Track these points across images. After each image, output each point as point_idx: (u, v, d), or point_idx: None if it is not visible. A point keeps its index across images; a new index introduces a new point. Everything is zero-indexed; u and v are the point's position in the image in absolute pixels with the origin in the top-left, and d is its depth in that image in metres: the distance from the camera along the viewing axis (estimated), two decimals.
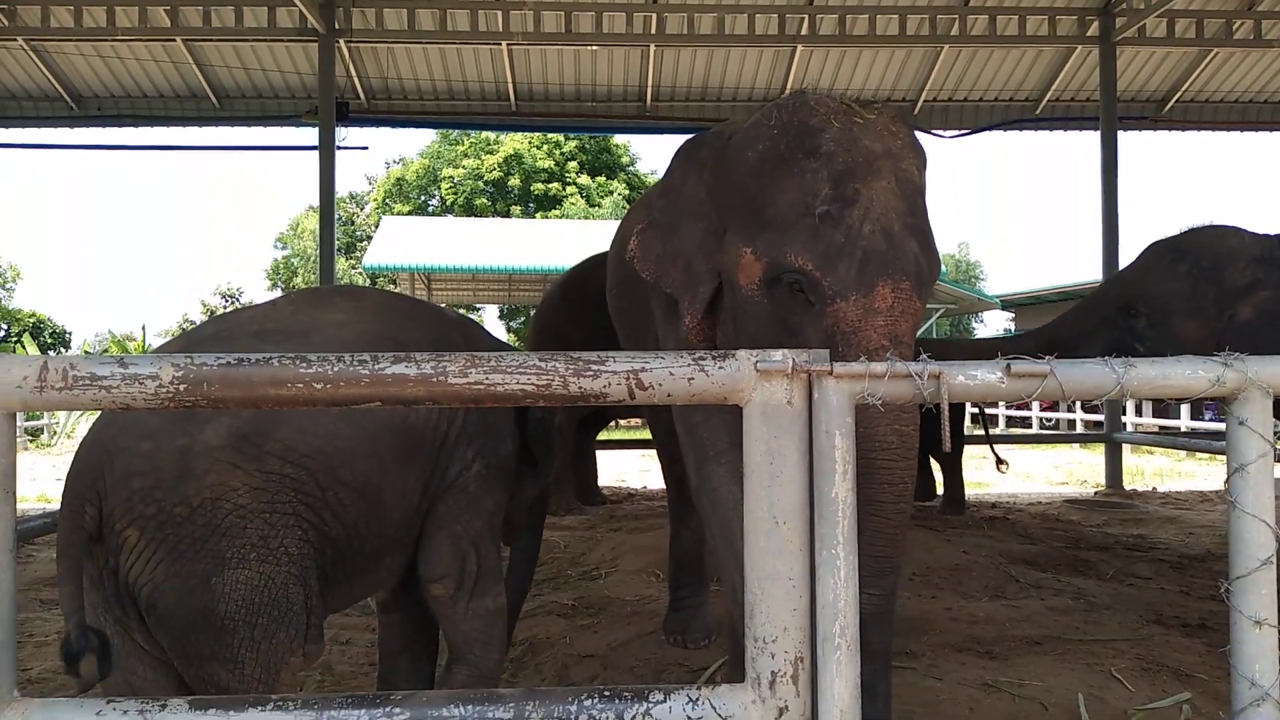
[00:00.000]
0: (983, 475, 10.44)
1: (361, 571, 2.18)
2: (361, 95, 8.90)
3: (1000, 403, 19.53)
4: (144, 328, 25.72)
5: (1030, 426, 18.24)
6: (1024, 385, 1.50)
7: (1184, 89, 9.05)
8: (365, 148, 8.93)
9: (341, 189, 36.07)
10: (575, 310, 5.85)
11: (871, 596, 1.89)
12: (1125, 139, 8.67)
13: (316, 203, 8.49)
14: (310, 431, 2.01)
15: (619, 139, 31.63)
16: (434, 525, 2.29)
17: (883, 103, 2.22)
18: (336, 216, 9.27)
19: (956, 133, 9.29)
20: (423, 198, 32.89)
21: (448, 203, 31.41)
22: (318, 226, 8.73)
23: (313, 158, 8.08)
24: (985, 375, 1.50)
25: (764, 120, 2.14)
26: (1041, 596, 3.68)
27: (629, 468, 10.89)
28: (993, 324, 38.90)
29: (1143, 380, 1.51)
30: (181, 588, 1.87)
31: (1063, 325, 3.70)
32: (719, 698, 1.49)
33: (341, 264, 27.97)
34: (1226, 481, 1.54)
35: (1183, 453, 11.55)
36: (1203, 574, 4.54)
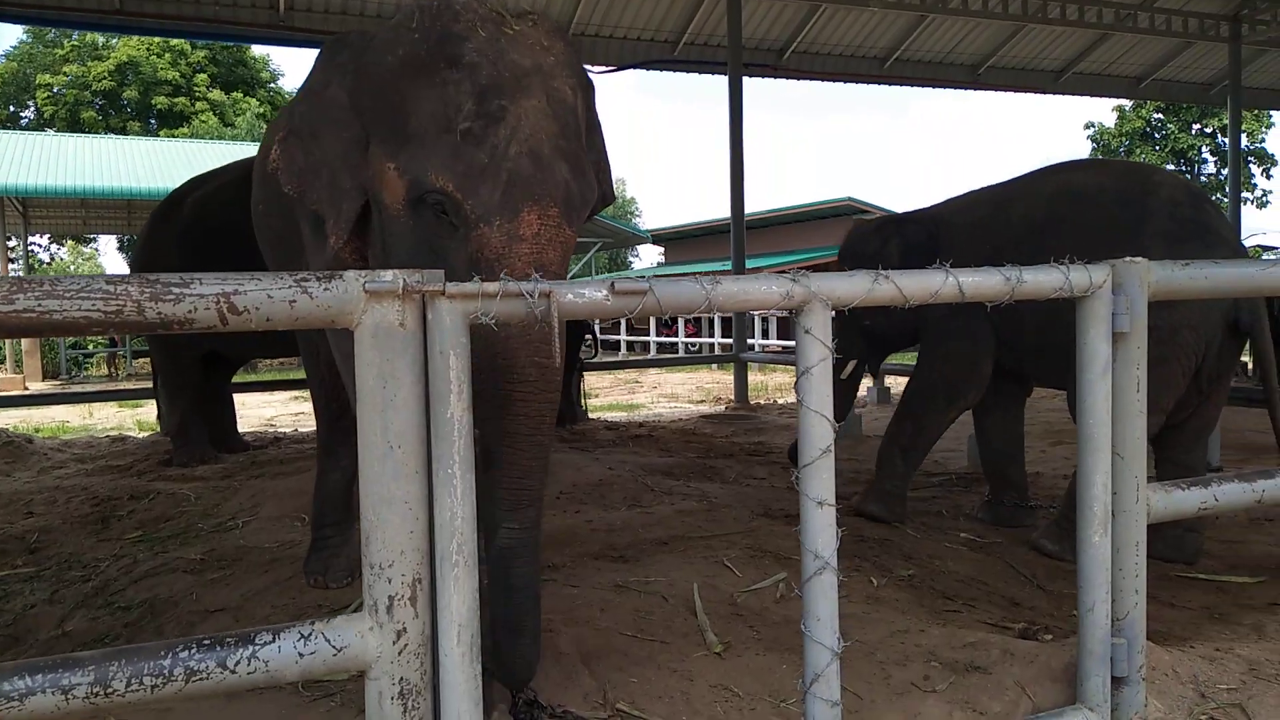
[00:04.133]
0: (636, 399, 11.16)
1: None
2: None
3: (651, 331, 20.95)
4: None
5: (677, 351, 19.70)
6: (627, 302, 1.58)
7: (799, 39, 10.04)
8: None
9: None
10: (177, 234, 5.35)
11: (512, 531, 1.87)
12: (753, 84, 9.46)
13: None
14: None
15: (257, 51, 28.89)
16: None
17: (538, 14, 2.09)
18: None
19: (604, 69, 9.58)
20: (12, 108, 27.89)
21: (46, 115, 26.92)
22: None
23: None
24: (592, 294, 1.56)
25: (405, 22, 1.97)
26: (672, 502, 4.02)
27: (282, 411, 10.25)
28: (647, 257, 41.38)
29: (727, 296, 1.66)
30: None
31: None
32: (334, 630, 1.45)
33: None
34: (796, 384, 1.75)
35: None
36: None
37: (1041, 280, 1.89)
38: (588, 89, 2.13)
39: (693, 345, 20.04)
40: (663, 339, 20.78)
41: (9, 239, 20.16)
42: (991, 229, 3.69)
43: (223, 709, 2.12)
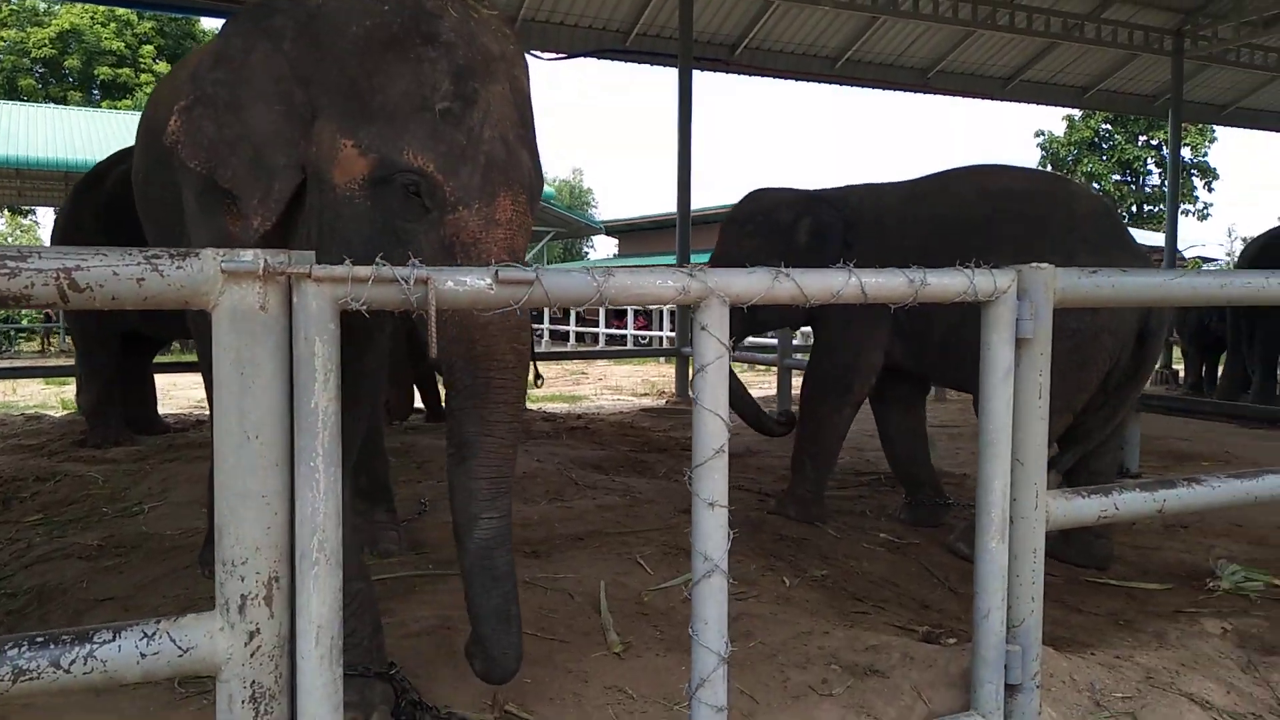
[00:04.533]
0: (580, 390, 11.07)
1: None
2: None
3: (600, 323, 20.85)
4: None
5: (626, 344, 19.63)
6: (512, 292, 1.51)
7: (751, 36, 10.02)
8: None
9: None
10: (99, 208, 5.14)
11: (492, 521, 1.84)
12: (706, 79, 9.41)
13: None
14: None
15: (206, 24, 28.12)
16: None
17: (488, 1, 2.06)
18: None
19: (554, 56, 9.47)
20: None
21: None
22: None
23: None
24: (475, 282, 1.49)
25: None
26: (595, 497, 3.96)
27: None
28: (602, 249, 41.22)
29: (620, 288, 1.60)
30: None
31: None
32: (180, 629, 1.37)
33: None
34: (691, 381, 1.70)
35: (745, 364, 13.09)
36: (739, 468, 5.20)
37: (946, 284, 1.86)
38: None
39: (643, 338, 19.96)
40: (612, 331, 20.70)
41: None
42: (910, 222, 3.64)
43: (91, 703, 2.01)
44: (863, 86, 11.29)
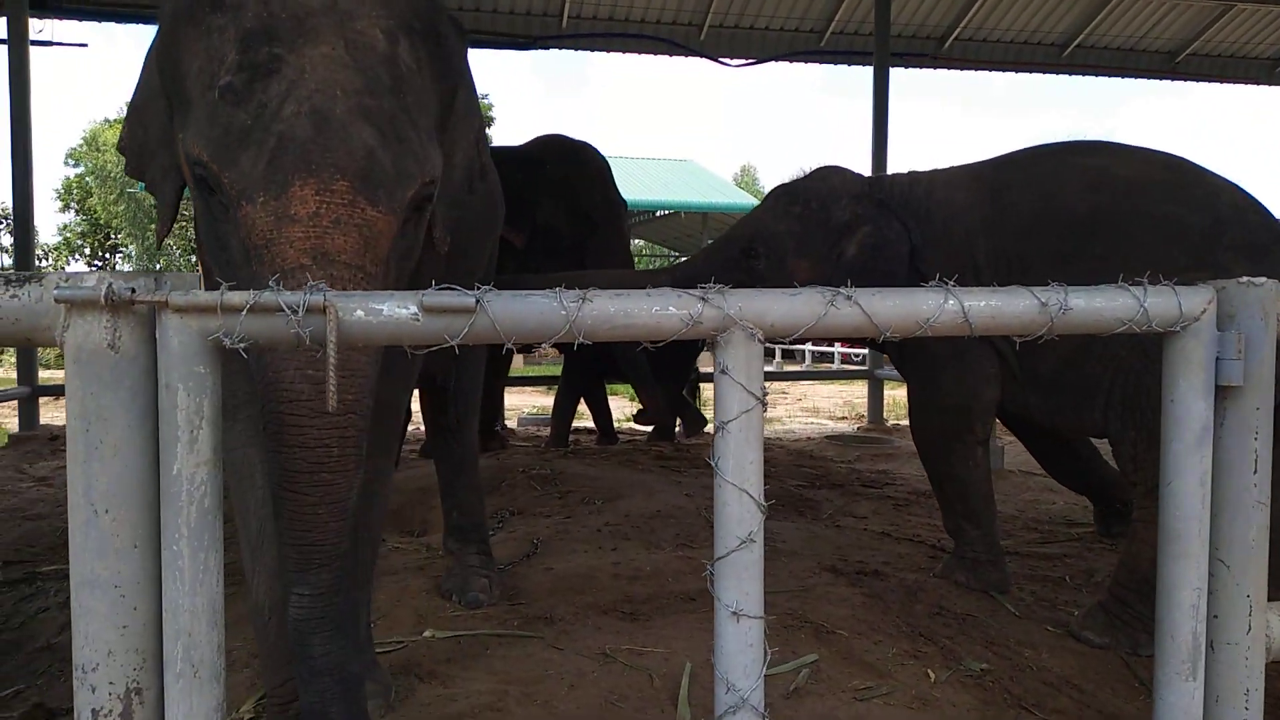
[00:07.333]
0: (774, 413, 10.54)
1: None
2: None
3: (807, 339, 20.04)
4: None
5: (832, 362, 18.78)
6: (446, 324, 1.14)
7: (961, 27, 9.13)
8: (83, 44, 7.79)
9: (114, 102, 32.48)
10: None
11: (303, 599, 1.52)
12: (908, 75, 8.63)
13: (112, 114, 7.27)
14: None
15: None
16: None
17: None
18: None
19: (744, 62, 9.05)
20: None
21: None
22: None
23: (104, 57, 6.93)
24: (394, 310, 1.14)
25: None
26: None
27: None
28: None
29: (599, 318, 1.19)
30: None
31: (694, 265, 3.56)
32: None
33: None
34: (712, 443, 1.26)
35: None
36: (922, 511, 4.55)
37: (1099, 308, 1.29)
38: (432, 36, 1.68)
39: (855, 356, 19.00)
40: (821, 348, 19.87)
41: None
42: (992, 225, 2.89)
43: None
44: (1096, 75, 10.01)
